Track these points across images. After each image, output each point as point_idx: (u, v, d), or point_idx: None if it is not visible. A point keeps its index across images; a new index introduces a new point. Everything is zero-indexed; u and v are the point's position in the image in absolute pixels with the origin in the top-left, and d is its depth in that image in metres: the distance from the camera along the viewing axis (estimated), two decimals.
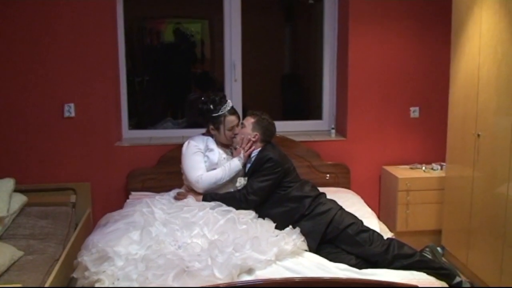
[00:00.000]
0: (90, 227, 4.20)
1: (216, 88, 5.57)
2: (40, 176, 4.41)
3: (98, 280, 2.86)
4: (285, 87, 6.40)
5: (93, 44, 4.41)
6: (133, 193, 4.32)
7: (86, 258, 3.00)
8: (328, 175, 4.63)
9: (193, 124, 5.25)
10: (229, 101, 3.79)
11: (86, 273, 2.95)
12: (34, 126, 4.40)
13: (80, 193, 4.38)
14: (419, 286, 2.60)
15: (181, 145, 4.15)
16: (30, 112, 4.38)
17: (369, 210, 4.01)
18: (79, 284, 3.03)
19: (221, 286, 2.48)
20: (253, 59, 5.17)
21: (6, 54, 4.31)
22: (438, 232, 4.44)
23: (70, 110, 4.42)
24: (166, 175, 4.38)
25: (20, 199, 3.88)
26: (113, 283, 2.81)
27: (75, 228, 4.03)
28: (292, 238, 3.14)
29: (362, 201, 4.23)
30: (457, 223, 4.17)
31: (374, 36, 4.72)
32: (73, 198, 4.29)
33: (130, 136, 4.81)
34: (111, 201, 4.37)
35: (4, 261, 3.11)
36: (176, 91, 6.55)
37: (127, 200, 4.13)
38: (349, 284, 2.61)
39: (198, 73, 6.65)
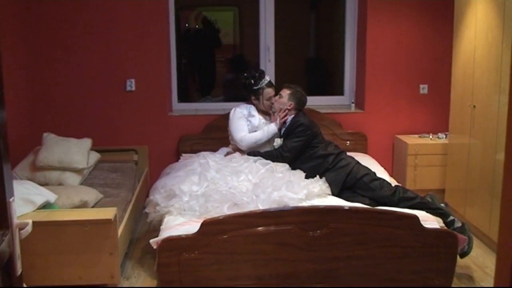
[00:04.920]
0: (148, 181, 4.99)
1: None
2: (109, 139, 5.11)
3: (167, 212, 3.56)
4: (310, 69, 6.89)
5: (150, 30, 5.06)
6: (184, 154, 4.97)
7: (157, 196, 3.72)
8: (348, 142, 5.25)
9: (229, 99, 5.96)
10: (267, 76, 4.49)
11: (157, 208, 3.66)
12: (104, 98, 5.11)
13: (139, 154, 5.07)
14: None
15: (223, 116, 4.86)
16: (99, 87, 5.09)
17: (382, 168, 4.59)
18: (150, 217, 3.77)
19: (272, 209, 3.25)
20: (282, 42, 5.66)
21: (82, 40, 5.02)
22: (441, 191, 4.98)
23: (131, 85, 5.11)
24: (211, 140, 5.03)
25: (95, 156, 4.59)
26: (180, 213, 3.53)
27: (139, 180, 4.76)
28: (319, 183, 3.83)
29: (376, 162, 4.80)
30: (457, 182, 4.73)
31: (389, 22, 5.22)
32: (135, 157, 4.99)
33: (179, 108, 5.48)
34: (165, 161, 4.94)
35: (93, 199, 3.87)
36: (211, 73, 7.24)
37: (179, 160, 4.79)
38: (363, 212, 3.31)
39: (232, 56, 7.33)
